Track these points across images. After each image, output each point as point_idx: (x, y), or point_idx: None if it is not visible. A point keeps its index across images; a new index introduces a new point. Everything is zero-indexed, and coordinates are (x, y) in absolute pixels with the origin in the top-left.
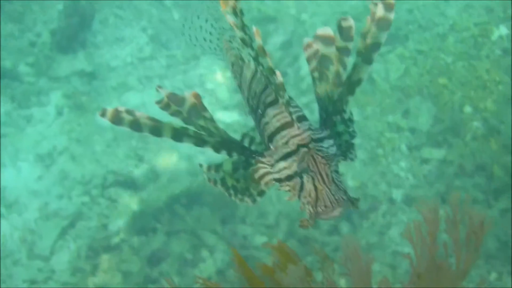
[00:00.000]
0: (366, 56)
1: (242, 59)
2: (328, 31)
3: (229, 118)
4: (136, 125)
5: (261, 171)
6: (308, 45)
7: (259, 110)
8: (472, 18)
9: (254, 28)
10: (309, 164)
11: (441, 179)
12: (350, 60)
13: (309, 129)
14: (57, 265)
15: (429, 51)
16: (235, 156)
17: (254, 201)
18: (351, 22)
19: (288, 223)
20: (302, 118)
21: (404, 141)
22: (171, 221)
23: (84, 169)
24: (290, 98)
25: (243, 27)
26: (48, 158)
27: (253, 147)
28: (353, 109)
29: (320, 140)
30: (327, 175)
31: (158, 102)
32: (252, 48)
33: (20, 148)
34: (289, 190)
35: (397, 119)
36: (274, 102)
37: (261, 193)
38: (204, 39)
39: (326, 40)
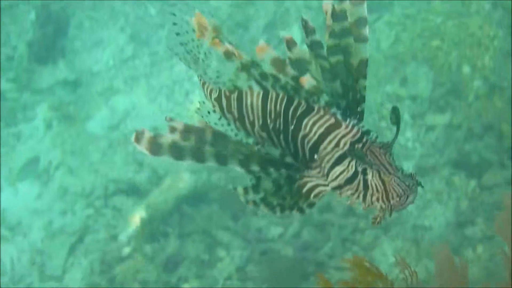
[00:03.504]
0: (357, 34)
1: (235, 89)
2: (286, 35)
3: None
4: (177, 153)
5: (310, 185)
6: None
7: (291, 127)
8: None
9: (261, 42)
10: (370, 158)
11: (451, 145)
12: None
13: (356, 123)
14: (72, 283)
15: (417, 14)
16: (276, 173)
17: (303, 212)
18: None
19: None
20: (344, 115)
21: (406, 110)
22: (181, 223)
23: (83, 181)
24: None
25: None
26: (44, 174)
27: (286, 162)
28: None
29: (368, 133)
30: (390, 164)
31: (173, 131)
32: (257, 68)
33: (14, 167)
34: (352, 194)
35: (396, 88)
36: (307, 111)
37: (311, 205)
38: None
39: (289, 44)
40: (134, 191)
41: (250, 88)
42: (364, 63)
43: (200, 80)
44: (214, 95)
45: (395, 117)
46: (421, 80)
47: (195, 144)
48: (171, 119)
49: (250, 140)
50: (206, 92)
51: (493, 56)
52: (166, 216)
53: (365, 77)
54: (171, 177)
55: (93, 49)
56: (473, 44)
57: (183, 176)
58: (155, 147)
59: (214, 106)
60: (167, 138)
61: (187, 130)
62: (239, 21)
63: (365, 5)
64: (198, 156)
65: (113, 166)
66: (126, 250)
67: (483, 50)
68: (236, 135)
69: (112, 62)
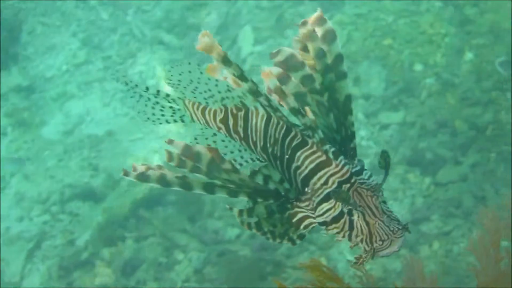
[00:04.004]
0: (337, 72)
1: (242, 106)
2: (276, 70)
3: None
4: (164, 182)
5: (300, 215)
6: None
7: (286, 156)
8: None
9: (268, 69)
10: (356, 200)
11: (405, 143)
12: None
13: (346, 163)
14: None
15: (368, 13)
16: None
17: (294, 243)
18: (286, 51)
19: None
20: (337, 153)
21: (360, 109)
22: (138, 226)
23: (39, 187)
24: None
25: (243, 75)
26: (0, 181)
27: (284, 187)
28: None
29: (359, 172)
30: (376, 207)
31: (171, 160)
32: (261, 95)
33: None
34: (338, 232)
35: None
36: (301, 145)
37: (301, 236)
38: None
39: (282, 79)
40: (91, 196)
41: (256, 109)
42: (348, 99)
43: (197, 108)
44: (220, 116)
45: (384, 161)
46: (374, 79)
47: (189, 171)
48: (171, 141)
49: (255, 157)
50: (208, 117)
51: (444, 53)
52: (123, 220)
53: (351, 113)
54: (127, 181)
55: (46, 54)
56: (425, 42)
57: None
58: (143, 178)
59: (219, 128)
60: (156, 173)
61: (185, 155)
62: (191, 23)
63: (337, 41)
64: (185, 185)
65: (68, 172)
66: (84, 255)
67: (435, 48)
68: (245, 149)
69: (65, 67)
